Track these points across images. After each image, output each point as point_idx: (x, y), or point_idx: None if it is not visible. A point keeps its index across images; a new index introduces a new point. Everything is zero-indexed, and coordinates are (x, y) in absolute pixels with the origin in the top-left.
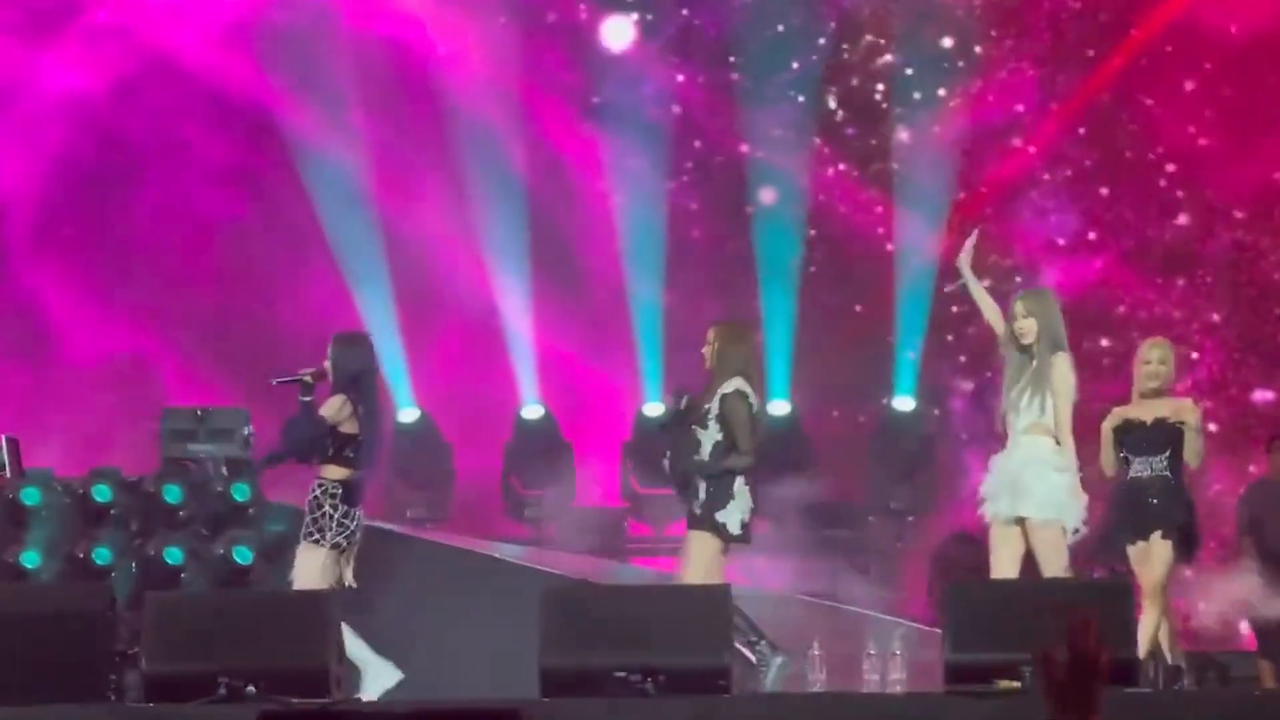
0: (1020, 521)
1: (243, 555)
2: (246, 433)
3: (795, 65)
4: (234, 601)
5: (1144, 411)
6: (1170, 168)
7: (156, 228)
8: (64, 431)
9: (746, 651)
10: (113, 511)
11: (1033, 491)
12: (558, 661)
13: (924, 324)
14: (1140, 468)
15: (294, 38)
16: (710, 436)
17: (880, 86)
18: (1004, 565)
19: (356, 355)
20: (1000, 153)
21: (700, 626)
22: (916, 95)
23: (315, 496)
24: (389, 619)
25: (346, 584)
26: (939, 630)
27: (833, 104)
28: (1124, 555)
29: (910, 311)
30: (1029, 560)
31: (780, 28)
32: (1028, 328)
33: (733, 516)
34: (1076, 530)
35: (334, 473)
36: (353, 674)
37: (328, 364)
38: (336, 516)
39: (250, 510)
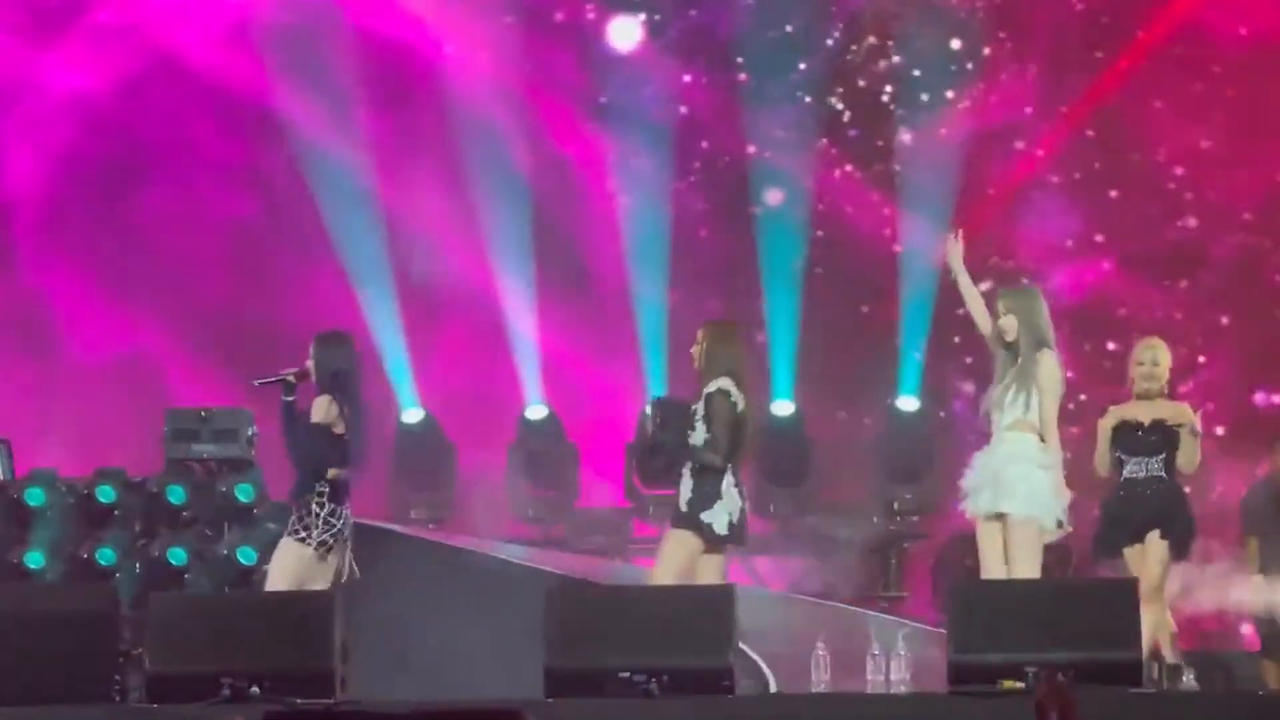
0: (1001, 517)
1: (247, 556)
2: (250, 433)
3: (802, 66)
4: (238, 602)
5: (1141, 412)
6: (1179, 170)
7: (162, 226)
8: (69, 431)
9: None
10: (116, 512)
11: (1015, 489)
12: (562, 662)
13: (928, 325)
14: (1135, 469)
15: (299, 37)
16: (699, 436)
17: (888, 88)
18: (992, 562)
19: (339, 355)
20: (1007, 155)
21: (704, 627)
22: (924, 97)
23: (303, 497)
24: (393, 619)
25: (347, 575)
26: (943, 630)
27: (839, 105)
28: (1119, 556)
29: (915, 312)
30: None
31: (788, 28)
32: (1008, 325)
33: (719, 516)
34: (1059, 524)
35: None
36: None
37: (310, 363)
38: (323, 515)
39: (254, 511)
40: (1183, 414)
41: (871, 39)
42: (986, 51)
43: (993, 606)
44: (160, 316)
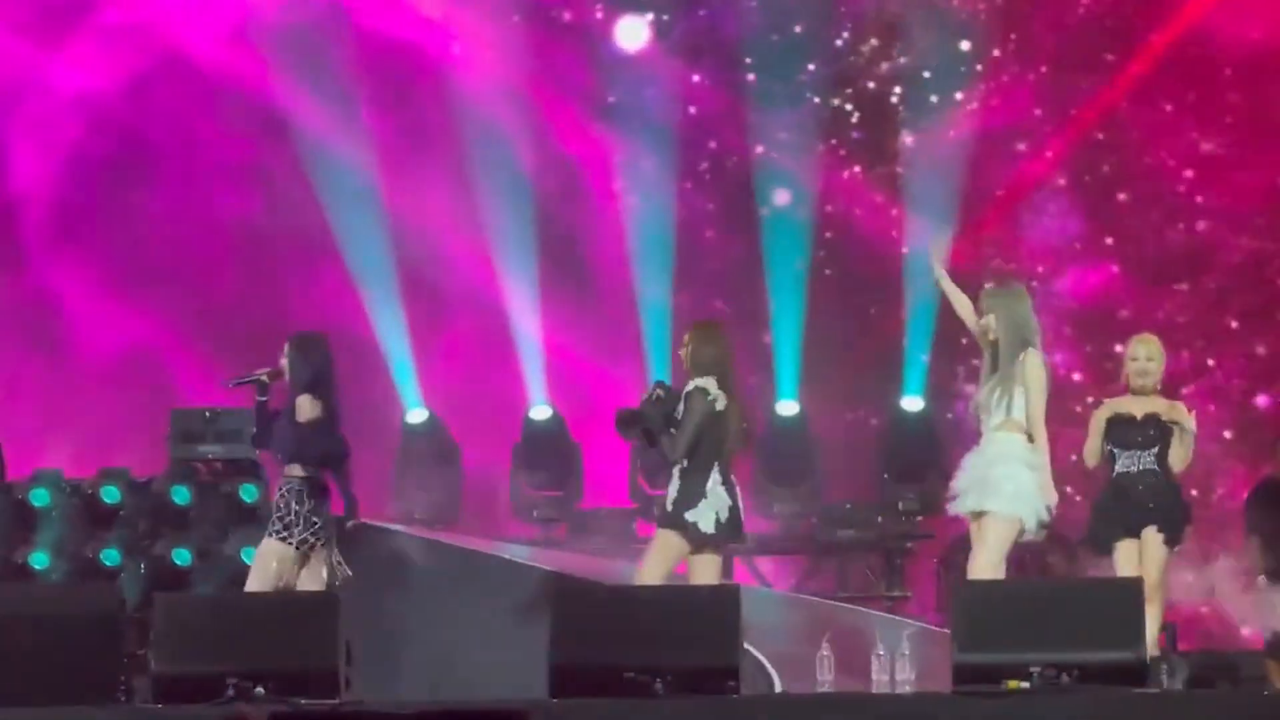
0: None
1: (251, 556)
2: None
3: (810, 67)
4: (243, 603)
5: (1135, 406)
6: (1188, 173)
7: (168, 225)
8: (74, 430)
9: None
10: (121, 512)
11: (1002, 488)
12: (567, 661)
13: (933, 326)
14: (1128, 463)
15: (305, 36)
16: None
17: (897, 89)
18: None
19: (316, 355)
20: (1015, 157)
21: (709, 627)
22: (934, 98)
23: (283, 494)
24: (397, 619)
25: (342, 576)
26: (947, 630)
27: (846, 107)
28: (1110, 552)
29: (920, 313)
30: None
31: (797, 29)
32: (989, 325)
33: (705, 515)
34: (1042, 524)
35: (299, 470)
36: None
37: (284, 363)
38: (304, 514)
39: (258, 511)
40: (1177, 411)
41: (879, 41)
42: (996, 53)
43: (997, 606)
44: (165, 315)
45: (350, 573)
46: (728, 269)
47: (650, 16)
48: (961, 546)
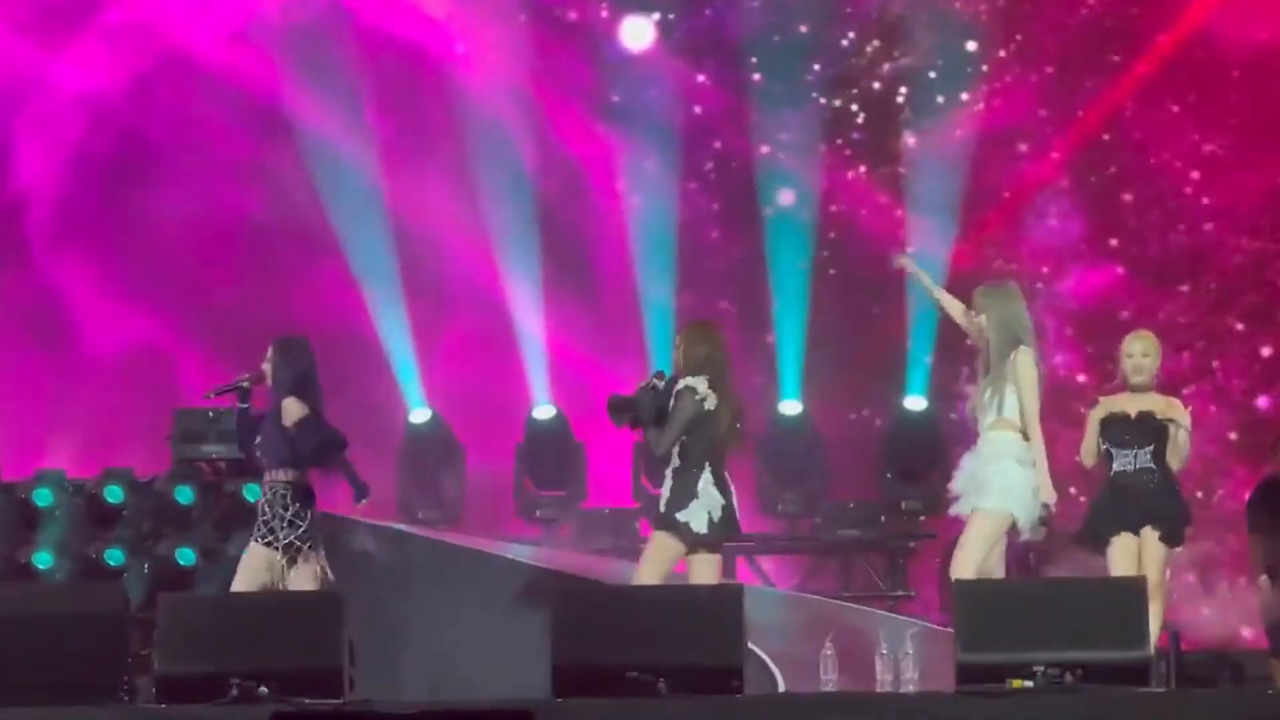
0: None
1: None
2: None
3: (815, 68)
4: (246, 602)
5: (1130, 404)
6: (1191, 174)
7: (172, 224)
8: (78, 428)
9: None
10: (124, 512)
11: (993, 484)
12: (570, 661)
13: (936, 326)
14: (1124, 462)
15: (309, 36)
16: None
17: (903, 90)
18: (990, 564)
19: (300, 359)
20: (1020, 158)
21: (712, 627)
22: (939, 99)
23: (267, 498)
24: (400, 619)
25: (326, 583)
26: (950, 630)
27: (851, 107)
28: (1105, 548)
29: (923, 313)
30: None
31: (803, 28)
32: (981, 323)
33: (697, 515)
34: (1042, 522)
35: (284, 474)
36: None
37: (266, 366)
38: (288, 517)
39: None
40: (1173, 408)
41: (883, 41)
42: (1001, 54)
43: (1000, 606)
44: (168, 314)
45: (333, 578)
46: (731, 269)
47: (656, 16)
48: None
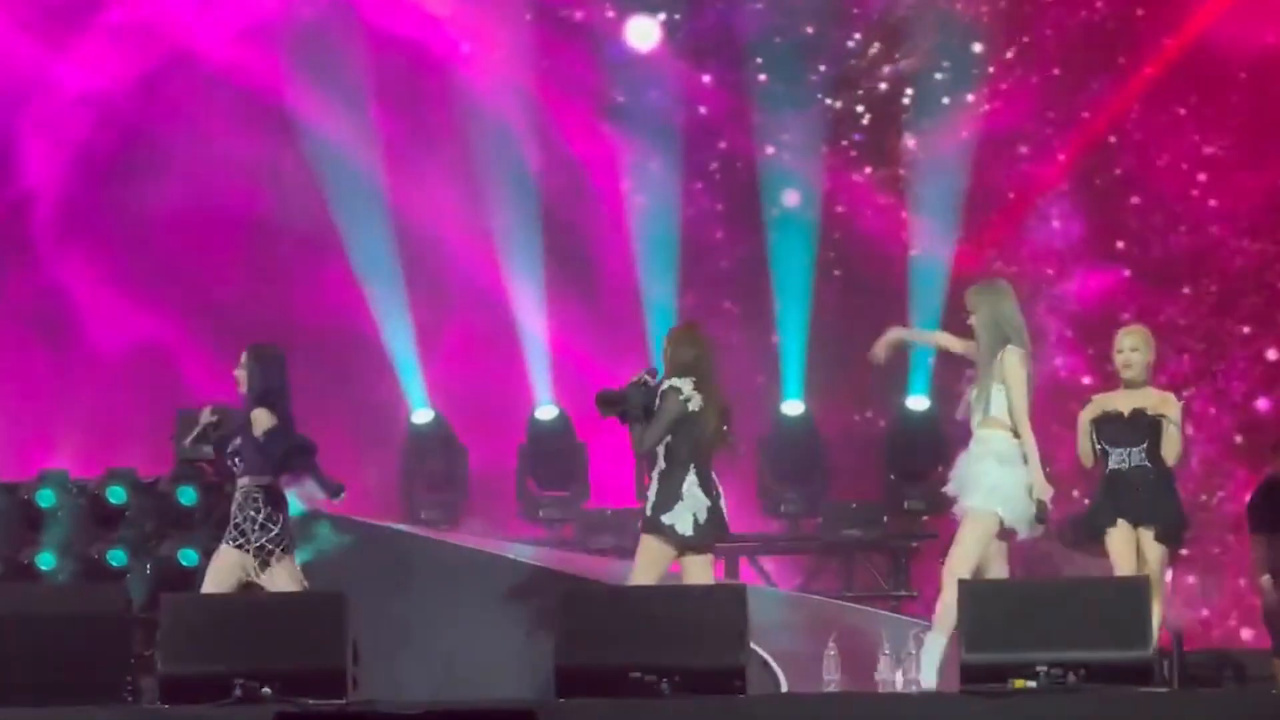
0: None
1: None
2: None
3: (821, 69)
4: (249, 603)
5: (1122, 402)
6: (1193, 177)
7: (177, 222)
8: (81, 429)
9: None
10: (127, 513)
11: (979, 485)
12: (573, 661)
13: (939, 326)
14: (1119, 460)
15: (314, 34)
16: None
17: (909, 91)
18: (990, 564)
19: (273, 369)
20: (1025, 160)
21: (716, 627)
22: (945, 100)
23: (239, 503)
24: (404, 620)
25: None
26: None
27: (856, 108)
28: (1102, 536)
29: (926, 313)
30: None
31: (808, 30)
32: (972, 323)
33: (682, 517)
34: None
35: (256, 479)
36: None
37: (240, 373)
38: (260, 520)
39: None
40: (1165, 403)
41: (888, 43)
42: (1008, 55)
43: (1004, 606)
44: (172, 313)
45: (308, 584)
46: (734, 269)
47: (662, 16)
48: None
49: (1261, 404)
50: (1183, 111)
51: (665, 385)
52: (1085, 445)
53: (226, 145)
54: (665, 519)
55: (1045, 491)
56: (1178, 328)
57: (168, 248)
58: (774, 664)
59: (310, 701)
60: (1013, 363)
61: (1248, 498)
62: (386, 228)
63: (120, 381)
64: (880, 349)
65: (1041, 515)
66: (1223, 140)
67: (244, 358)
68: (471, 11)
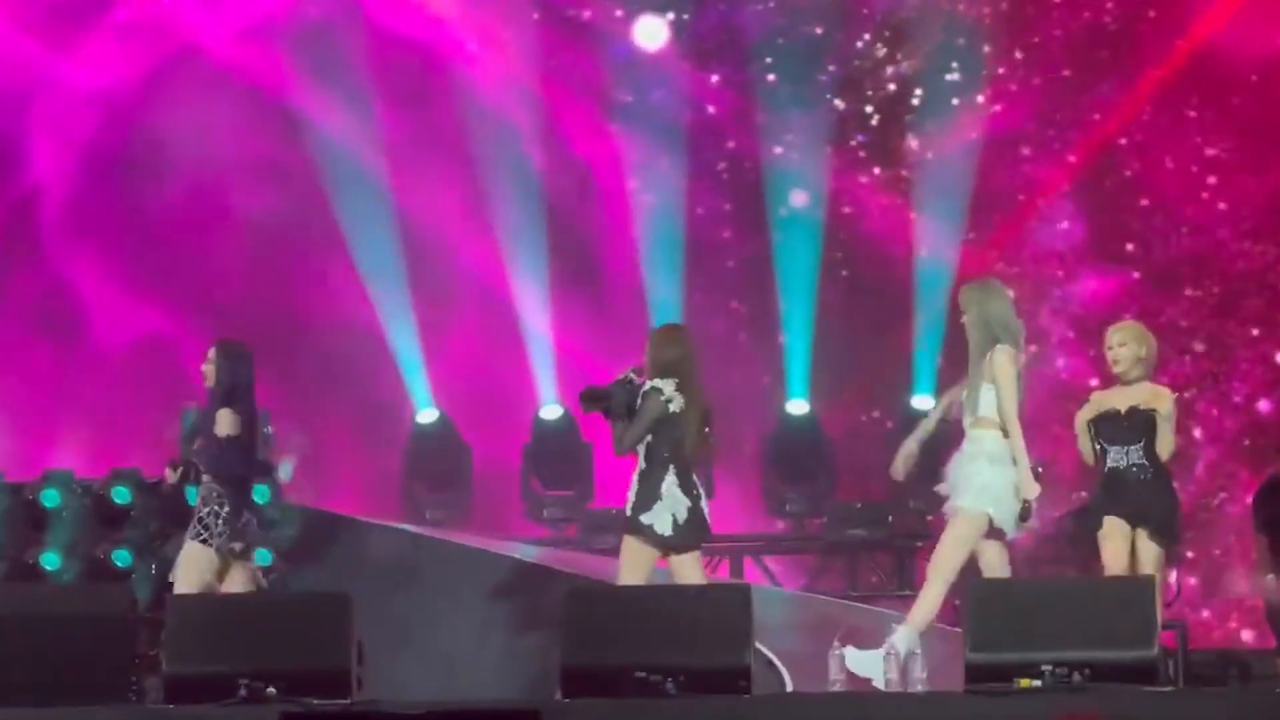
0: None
1: (263, 557)
2: (266, 433)
3: (830, 69)
4: (254, 603)
5: (1119, 399)
6: (1196, 179)
7: (182, 220)
8: (86, 428)
9: None
10: (132, 513)
11: (969, 485)
12: (578, 661)
13: (944, 325)
14: (1117, 457)
15: (320, 34)
16: None
17: (918, 91)
18: (992, 565)
19: (240, 366)
20: (1027, 162)
21: (720, 626)
22: (955, 101)
23: (203, 497)
24: (408, 619)
25: (259, 584)
26: (959, 629)
27: (865, 109)
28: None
29: (931, 313)
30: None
31: (817, 30)
32: (963, 322)
33: (661, 517)
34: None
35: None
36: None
37: (207, 368)
38: (224, 515)
39: (269, 512)
40: (1156, 398)
41: (897, 45)
42: (1017, 56)
43: (1009, 605)
44: (177, 311)
45: (267, 584)
46: (740, 269)
47: (670, 16)
48: None
49: (1262, 405)
50: (1193, 114)
51: (648, 386)
52: (1085, 445)
53: (232, 144)
54: (644, 519)
55: (1032, 491)
56: (1180, 329)
57: (173, 246)
58: (779, 664)
59: (315, 701)
60: (1002, 362)
61: (1250, 498)
62: (392, 227)
63: (125, 380)
64: (899, 465)
65: (1025, 514)
66: (1226, 143)
67: (211, 353)
68: (478, 10)
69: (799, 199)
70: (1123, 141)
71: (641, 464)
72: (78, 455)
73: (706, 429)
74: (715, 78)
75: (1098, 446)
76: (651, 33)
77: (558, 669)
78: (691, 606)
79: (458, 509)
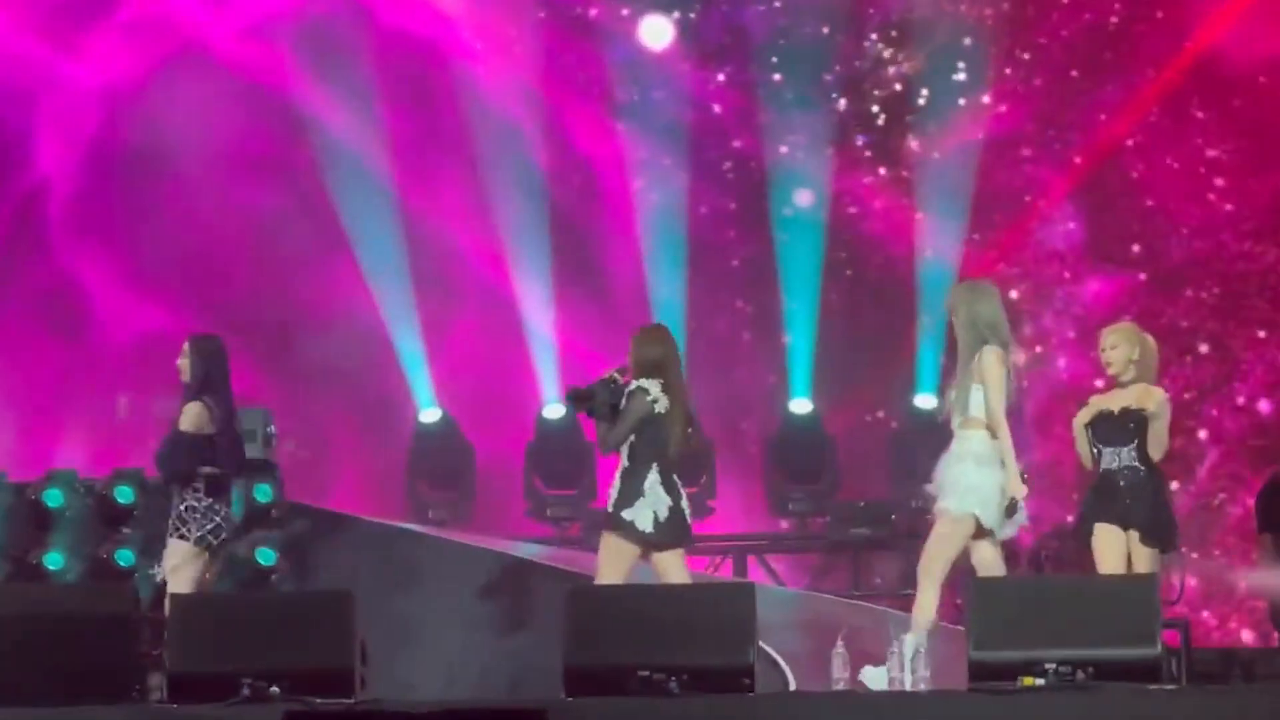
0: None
1: (266, 556)
2: (269, 433)
3: (836, 69)
4: (257, 602)
5: (1113, 401)
6: (1198, 180)
7: (186, 217)
8: (89, 428)
9: None
10: (135, 513)
11: (956, 486)
12: (581, 660)
13: (946, 325)
14: (1110, 459)
15: (325, 31)
16: None
17: (924, 92)
18: (986, 564)
19: (208, 360)
20: (1029, 163)
21: (724, 625)
22: (959, 101)
23: (178, 491)
24: (412, 618)
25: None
26: (963, 628)
27: (871, 109)
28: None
29: (934, 313)
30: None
31: (823, 30)
32: (953, 322)
33: (642, 514)
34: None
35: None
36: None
37: (182, 362)
38: (201, 509)
39: (272, 511)
40: (1148, 398)
41: (903, 45)
42: (1023, 56)
43: (1012, 604)
44: (182, 308)
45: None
46: (744, 268)
47: (676, 15)
48: None
49: (1265, 406)
50: (1196, 115)
51: (633, 386)
52: (1083, 447)
53: (236, 142)
54: (625, 514)
55: (1019, 491)
56: (1182, 331)
57: (177, 244)
58: (782, 663)
59: (318, 701)
60: (990, 362)
61: (1252, 499)
62: (395, 225)
63: (129, 380)
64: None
65: (1012, 510)
66: (1229, 144)
67: (186, 348)
68: (483, 9)
69: (803, 199)
70: (1126, 143)
71: (625, 462)
72: (81, 455)
73: (690, 429)
74: (720, 77)
75: (1094, 449)
76: (657, 32)
77: (561, 668)
78: (695, 606)
79: (461, 508)
